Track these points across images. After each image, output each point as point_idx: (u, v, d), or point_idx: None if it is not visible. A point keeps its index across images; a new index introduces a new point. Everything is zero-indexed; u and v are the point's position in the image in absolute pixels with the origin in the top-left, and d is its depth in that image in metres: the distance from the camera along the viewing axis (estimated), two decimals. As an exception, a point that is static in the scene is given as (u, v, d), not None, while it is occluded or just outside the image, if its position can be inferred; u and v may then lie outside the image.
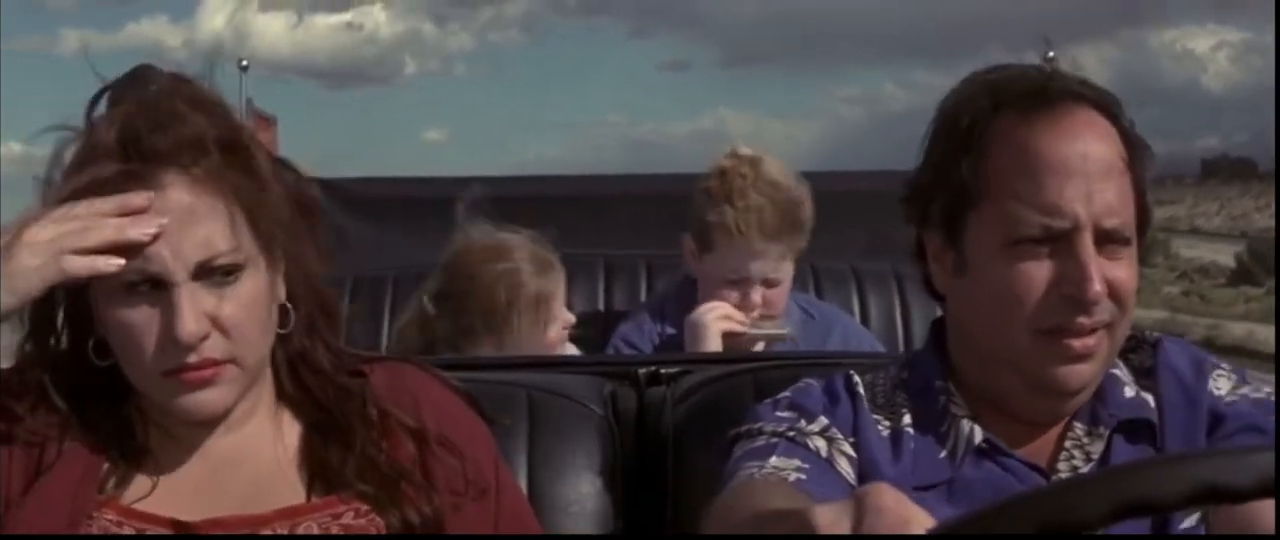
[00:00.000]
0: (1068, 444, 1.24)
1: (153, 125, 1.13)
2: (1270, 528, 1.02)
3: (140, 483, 1.18)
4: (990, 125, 1.22)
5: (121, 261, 1.11)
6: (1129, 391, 1.27)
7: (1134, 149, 1.23)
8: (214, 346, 1.13)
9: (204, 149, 1.14)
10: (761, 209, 2.30)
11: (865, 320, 2.72)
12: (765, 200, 2.31)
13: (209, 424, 1.20)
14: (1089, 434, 1.24)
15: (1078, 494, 0.60)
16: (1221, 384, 1.27)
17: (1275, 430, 1.25)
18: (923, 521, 0.67)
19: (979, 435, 1.24)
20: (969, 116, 1.24)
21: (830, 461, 1.24)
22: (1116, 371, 1.27)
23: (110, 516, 1.16)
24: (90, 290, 1.15)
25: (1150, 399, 1.26)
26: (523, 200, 2.63)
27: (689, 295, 2.46)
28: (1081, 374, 1.20)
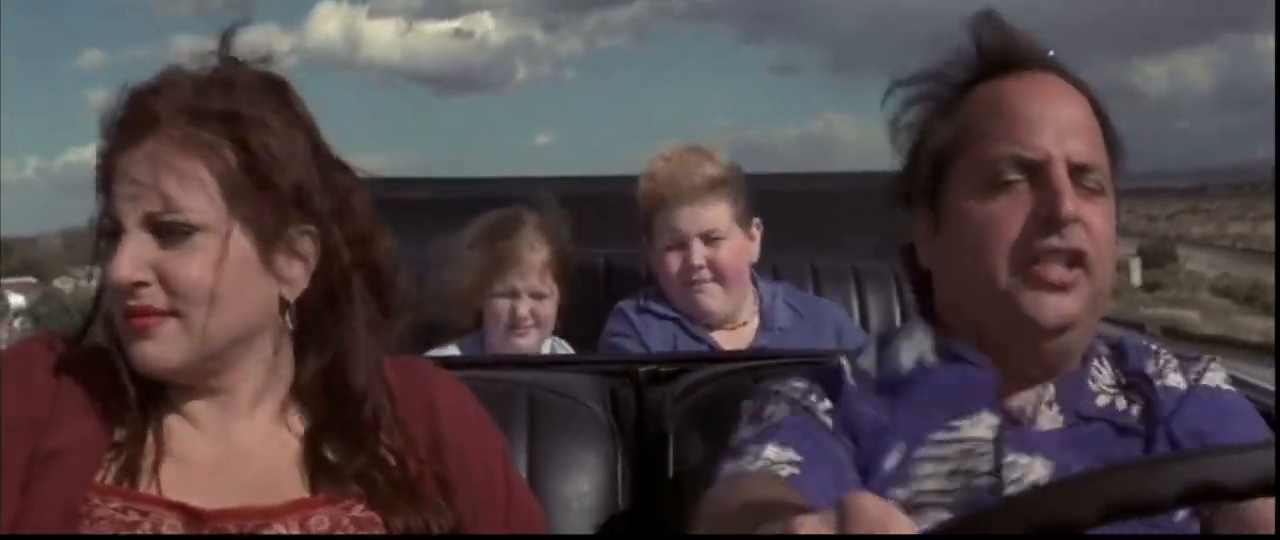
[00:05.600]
0: (1045, 397, 1.24)
1: (157, 86, 1.20)
2: (1269, 527, 1.02)
3: (148, 468, 1.18)
4: (964, 96, 1.27)
5: None
6: (1102, 400, 1.26)
7: (1105, 126, 1.27)
8: (154, 296, 1.17)
9: (193, 115, 1.18)
10: (677, 167, 2.44)
11: (865, 320, 2.73)
12: (680, 159, 2.45)
13: (216, 408, 1.22)
14: (1050, 405, 1.24)
15: (1068, 494, 0.61)
16: (1173, 378, 1.28)
17: (1275, 429, 1.25)
18: (905, 527, 0.68)
19: (931, 341, 1.27)
20: (945, 94, 1.29)
21: (836, 437, 1.24)
22: (1097, 372, 1.27)
23: (115, 504, 1.16)
24: None
25: (1126, 404, 1.26)
26: (525, 201, 2.63)
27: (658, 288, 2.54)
28: (1060, 307, 1.20)
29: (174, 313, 1.17)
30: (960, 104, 1.27)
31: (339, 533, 1.19)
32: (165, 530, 1.15)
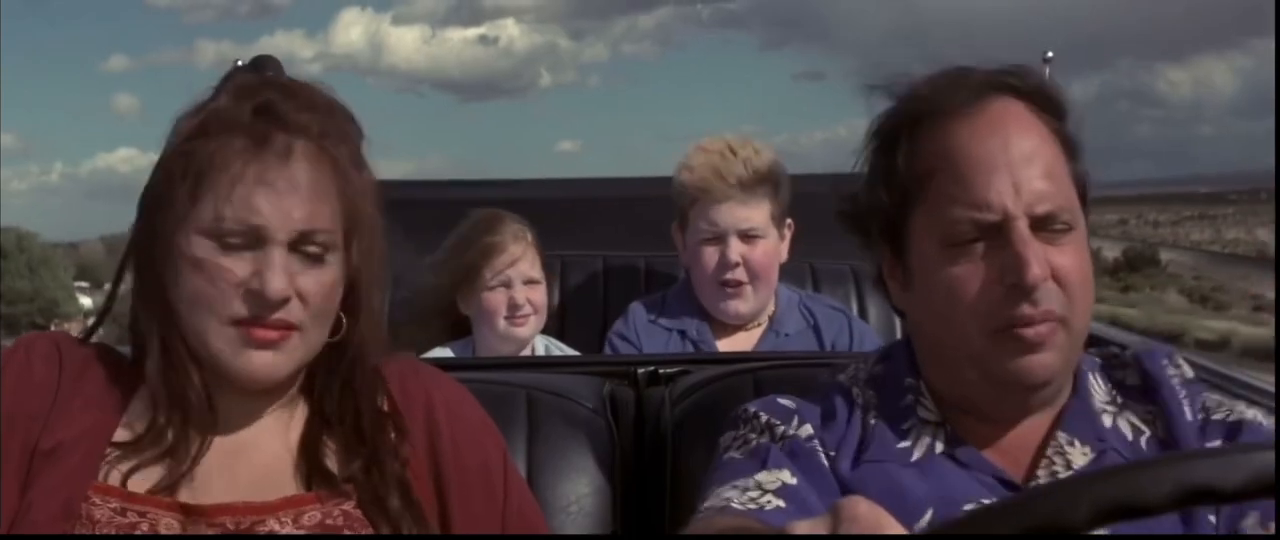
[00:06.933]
0: (1049, 451, 1.21)
1: (286, 95, 1.19)
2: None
3: (148, 466, 1.18)
4: (915, 133, 1.21)
5: None
6: (1106, 420, 1.24)
7: (1064, 137, 1.21)
8: (293, 312, 1.17)
9: (326, 132, 1.19)
10: (720, 161, 2.37)
11: (863, 320, 2.72)
12: (723, 154, 2.38)
13: (232, 409, 1.22)
14: (1072, 445, 1.21)
15: (1061, 496, 0.60)
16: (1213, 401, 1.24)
17: (1275, 429, 1.24)
18: (897, 530, 0.68)
19: (940, 446, 1.22)
20: (895, 128, 1.23)
21: (819, 465, 1.22)
22: (1095, 395, 1.24)
23: (113, 504, 1.16)
24: (166, 241, 1.18)
25: (1135, 421, 1.23)
26: (525, 202, 2.63)
27: (686, 289, 2.49)
28: (1040, 365, 1.16)
29: (299, 328, 1.18)
30: (910, 146, 1.21)
31: (329, 522, 1.19)
32: (162, 530, 1.16)
